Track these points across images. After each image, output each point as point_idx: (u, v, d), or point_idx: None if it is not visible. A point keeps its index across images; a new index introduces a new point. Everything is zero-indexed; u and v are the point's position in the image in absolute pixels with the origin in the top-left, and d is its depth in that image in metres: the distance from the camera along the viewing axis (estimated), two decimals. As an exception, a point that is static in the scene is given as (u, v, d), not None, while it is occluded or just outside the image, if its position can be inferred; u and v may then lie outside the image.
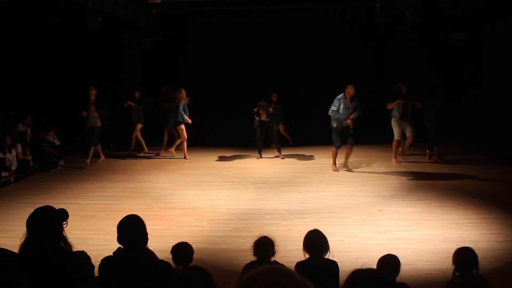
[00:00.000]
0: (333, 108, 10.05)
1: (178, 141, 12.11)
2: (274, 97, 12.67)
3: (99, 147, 11.59)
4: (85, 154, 11.32)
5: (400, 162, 10.98)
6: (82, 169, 10.97)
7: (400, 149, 11.34)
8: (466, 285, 3.52)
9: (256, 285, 1.29)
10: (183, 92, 11.75)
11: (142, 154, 12.46)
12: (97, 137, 11.40)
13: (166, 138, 12.50)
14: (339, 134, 10.23)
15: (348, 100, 10.03)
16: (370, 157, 11.70)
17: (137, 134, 12.42)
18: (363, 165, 10.91)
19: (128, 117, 12.36)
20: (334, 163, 10.52)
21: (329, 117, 10.26)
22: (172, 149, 12.11)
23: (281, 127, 13.02)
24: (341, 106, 9.99)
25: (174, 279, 2.79)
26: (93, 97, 11.26)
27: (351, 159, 10.61)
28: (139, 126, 12.34)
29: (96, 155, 11.61)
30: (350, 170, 10.35)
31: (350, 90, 10.02)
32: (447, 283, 3.72)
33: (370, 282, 1.94)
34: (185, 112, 11.83)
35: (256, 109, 11.61)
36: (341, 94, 10.06)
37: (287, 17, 13.27)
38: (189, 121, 11.76)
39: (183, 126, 11.77)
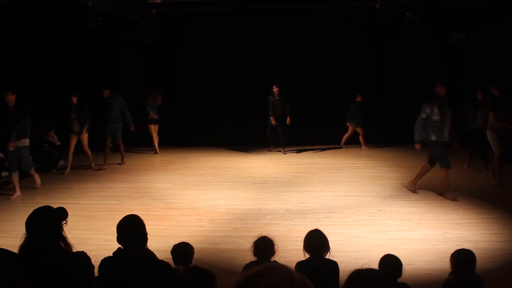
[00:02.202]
0: (422, 115, 7.91)
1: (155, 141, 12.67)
2: (358, 98, 12.45)
3: (16, 178, 8.69)
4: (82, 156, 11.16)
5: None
6: (82, 169, 10.96)
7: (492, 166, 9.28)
8: (462, 284, 3.53)
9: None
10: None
11: (93, 166, 10.94)
12: (15, 162, 8.60)
13: (122, 146, 11.28)
14: (443, 149, 7.95)
15: (443, 103, 7.79)
16: (370, 157, 11.70)
17: (85, 147, 10.76)
18: (363, 165, 10.90)
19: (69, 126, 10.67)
20: (449, 188, 8.11)
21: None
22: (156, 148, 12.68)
23: (358, 129, 12.74)
24: (434, 111, 7.78)
25: (178, 279, 2.77)
26: (12, 104, 8.48)
27: (353, 162, 10.57)
28: (85, 137, 10.63)
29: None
30: (455, 200, 7.97)
31: (440, 89, 7.82)
32: (443, 282, 3.73)
33: (370, 282, 1.94)
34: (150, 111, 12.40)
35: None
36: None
37: (287, 17, 13.27)
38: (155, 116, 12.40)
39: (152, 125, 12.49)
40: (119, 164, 11.42)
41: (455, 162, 10.90)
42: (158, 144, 12.74)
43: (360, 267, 2.01)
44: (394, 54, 13.22)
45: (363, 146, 12.82)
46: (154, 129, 12.57)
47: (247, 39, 13.53)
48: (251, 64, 13.64)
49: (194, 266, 4.10)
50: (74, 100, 10.48)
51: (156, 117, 12.44)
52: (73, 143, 10.66)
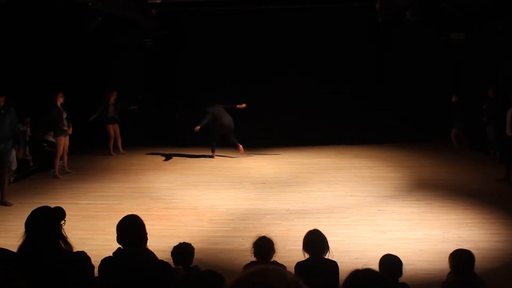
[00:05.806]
0: None
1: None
2: (453, 99, 12.01)
3: None
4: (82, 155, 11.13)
5: None
6: (82, 169, 10.96)
7: None
8: (461, 284, 3.52)
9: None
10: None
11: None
12: None
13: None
14: None
15: None
16: (370, 157, 11.69)
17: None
18: (363, 165, 10.90)
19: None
20: None
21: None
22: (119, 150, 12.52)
23: (454, 130, 12.08)
24: None
25: (185, 280, 2.71)
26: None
27: (353, 162, 10.51)
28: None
29: None
30: None
31: None
32: (442, 283, 3.72)
33: (369, 283, 1.94)
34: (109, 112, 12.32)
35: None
36: None
37: (287, 17, 13.26)
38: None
39: (110, 126, 12.37)
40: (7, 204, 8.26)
41: (455, 162, 10.92)
42: (123, 144, 12.70)
43: (360, 268, 2.01)
44: (394, 54, 13.22)
45: (454, 144, 12.17)
46: (113, 129, 12.45)
47: (247, 39, 13.51)
48: (251, 64, 13.62)
49: (195, 267, 4.11)
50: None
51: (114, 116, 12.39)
52: None
